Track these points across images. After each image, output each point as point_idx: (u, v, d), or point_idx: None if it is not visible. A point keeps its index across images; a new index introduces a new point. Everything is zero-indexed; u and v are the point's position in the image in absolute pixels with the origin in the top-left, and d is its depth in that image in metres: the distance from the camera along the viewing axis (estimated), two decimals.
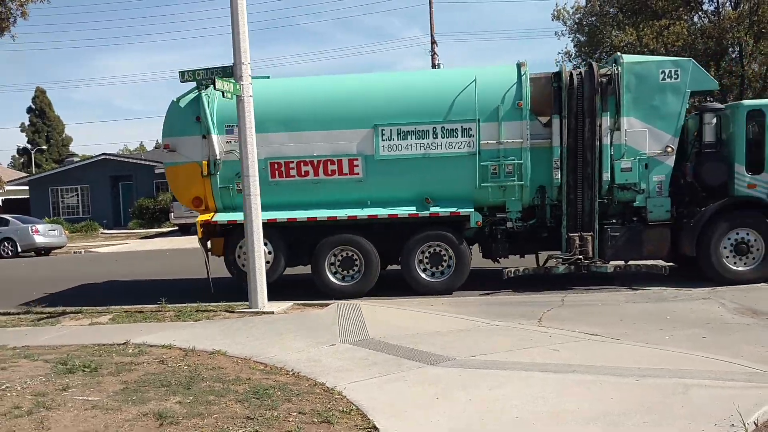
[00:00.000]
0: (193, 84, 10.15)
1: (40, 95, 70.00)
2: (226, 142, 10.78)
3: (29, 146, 68.91)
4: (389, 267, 11.20)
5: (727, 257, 10.16)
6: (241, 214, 10.33)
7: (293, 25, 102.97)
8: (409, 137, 10.44)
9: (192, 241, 24.70)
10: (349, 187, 10.63)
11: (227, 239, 11.01)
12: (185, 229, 27.78)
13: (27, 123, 70.73)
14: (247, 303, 9.69)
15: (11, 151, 79.16)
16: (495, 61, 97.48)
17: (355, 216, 10.44)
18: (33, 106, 70.65)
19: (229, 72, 9.62)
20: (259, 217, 9.65)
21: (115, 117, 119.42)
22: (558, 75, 10.41)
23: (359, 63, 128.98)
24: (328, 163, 10.57)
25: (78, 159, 46.27)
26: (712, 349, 6.49)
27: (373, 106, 10.59)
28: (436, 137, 10.44)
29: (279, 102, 10.96)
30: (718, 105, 10.98)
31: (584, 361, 6.17)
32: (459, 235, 10.48)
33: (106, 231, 33.62)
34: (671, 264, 10.66)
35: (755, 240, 10.11)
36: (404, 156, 10.46)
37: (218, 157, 10.75)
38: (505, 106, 10.28)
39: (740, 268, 10.15)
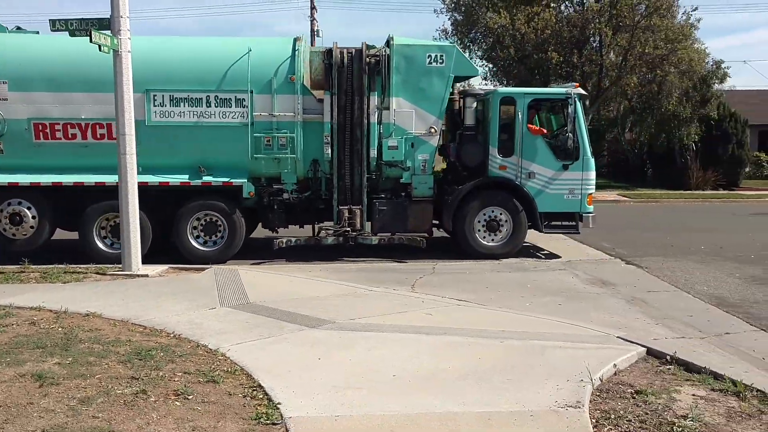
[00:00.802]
0: None
1: None
2: None
3: None
4: None
5: (479, 232, 10.93)
6: (3, 176, 10.28)
7: None
8: (182, 104, 10.41)
9: None
10: None
11: None
12: None
13: None
14: (120, 265, 9.44)
15: None
16: (372, 31, 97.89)
17: None
18: None
19: (106, 24, 9.21)
20: (134, 178, 9.36)
21: None
22: (329, 53, 10.71)
23: (236, 22, 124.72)
24: (97, 126, 10.31)
25: None
26: (567, 314, 7.22)
27: (145, 70, 10.06)
28: (210, 106, 10.48)
29: (44, 60, 10.53)
30: (479, 90, 11.88)
31: (454, 324, 6.66)
32: (233, 204, 10.59)
33: None
34: (426, 236, 11.28)
35: (505, 218, 10.92)
36: (177, 123, 10.40)
37: None
38: (278, 79, 10.46)
39: (491, 243, 10.97)
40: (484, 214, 10.91)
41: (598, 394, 4.79)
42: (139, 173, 9.97)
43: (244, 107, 10.44)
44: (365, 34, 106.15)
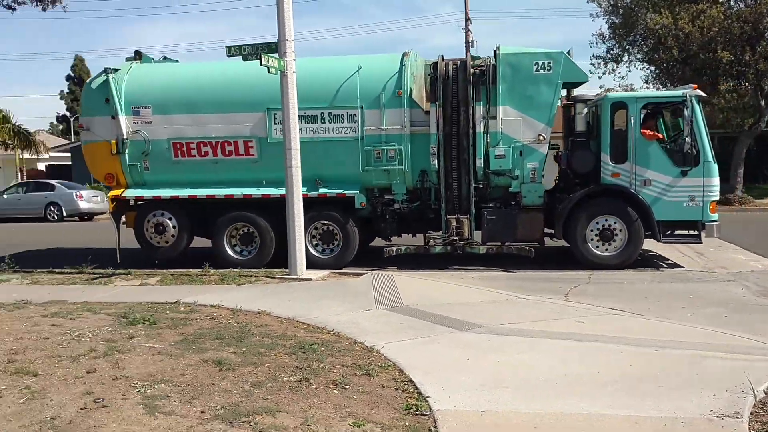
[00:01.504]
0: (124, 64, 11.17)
1: (78, 63, 71.10)
2: (133, 122, 11.48)
3: (68, 113, 70.36)
4: None
5: (592, 241, 10.54)
6: (148, 190, 11.53)
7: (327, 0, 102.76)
8: (299, 121, 10.78)
9: None
10: (246, 167, 11.21)
11: (138, 214, 11.73)
12: None
13: (66, 90, 72.11)
14: (287, 270, 10.20)
15: (50, 118, 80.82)
16: (525, 40, 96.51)
17: (250, 195, 11.11)
18: (72, 74, 71.91)
19: (274, 48, 10.03)
20: (299, 189, 10.12)
21: None
22: (435, 66, 10.87)
23: (390, 39, 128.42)
24: (226, 144, 11.14)
25: None
26: (731, 326, 6.81)
27: (266, 91, 10.84)
28: (324, 122, 10.99)
29: (181, 85, 11.60)
30: (589, 96, 11.50)
31: (607, 332, 6.55)
32: (347, 214, 11.01)
33: None
34: (536, 246, 11.02)
35: (619, 227, 10.45)
36: None
37: (125, 137, 11.43)
38: (387, 94, 10.78)
39: (604, 254, 10.53)
40: (597, 223, 10.57)
41: (761, 406, 4.55)
42: (262, 186, 11.01)
43: (355, 122, 10.90)
44: (520, 42, 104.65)
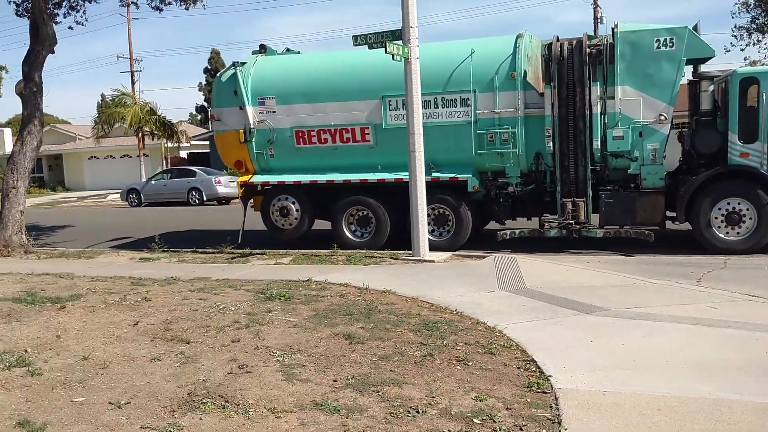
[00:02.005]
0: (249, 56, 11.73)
1: (215, 56, 75.14)
2: (259, 113, 12.04)
3: (206, 104, 74.73)
4: None
5: (719, 227, 10.00)
6: (273, 176, 12.12)
7: None
8: None
9: None
10: (363, 153, 11.54)
11: (264, 198, 12.30)
12: None
13: (203, 82, 76.57)
14: (410, 251, 10.48)
15: (189, 109, 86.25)
16: (657, 14, 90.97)
17: (367, 180, 11.42)
18: (209, 67, 76.17)
19: (398, 35, 10.25)
20: (422, 173, 10.32)
21: None
22: (549, 47, 10.67)
23: (514, 18, 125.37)
24: (344, 131, 11.55)
25: None
26: None
27: (380, 78, 11.24)
28: (437, 107, 11.08)
29: (302, 76, 12.01)
30: (715, 72, 10.77)
31: (741, 318, 6.28)
32: (459, 198, 11.03)
33: None
34: (656, 230, 10.55)
35: (747, 210, 9.86)
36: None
37: (252, 126, 12.04)
38: (500, 77, 10.69)
39: (730, 238, 9.98)
40: (723, 206, 10.00)
41: None
42: (377, 171, 11.33)
43: (467, 106, 10.93)
44: (653, 15, 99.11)
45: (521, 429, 3.83)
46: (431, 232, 11.26)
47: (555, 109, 10.54)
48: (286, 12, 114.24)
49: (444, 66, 11.12)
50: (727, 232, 10.06)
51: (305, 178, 11.88)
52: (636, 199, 10.40)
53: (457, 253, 10.63)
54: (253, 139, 12.10)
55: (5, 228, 13.45)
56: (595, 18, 35.28)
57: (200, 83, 76.44)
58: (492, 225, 12.31)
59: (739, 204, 9.98)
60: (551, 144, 10.60)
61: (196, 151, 42.45)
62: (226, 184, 26.97)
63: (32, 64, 13.83)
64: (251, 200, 12.77)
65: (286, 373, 4.65)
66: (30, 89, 13.81)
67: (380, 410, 4.05)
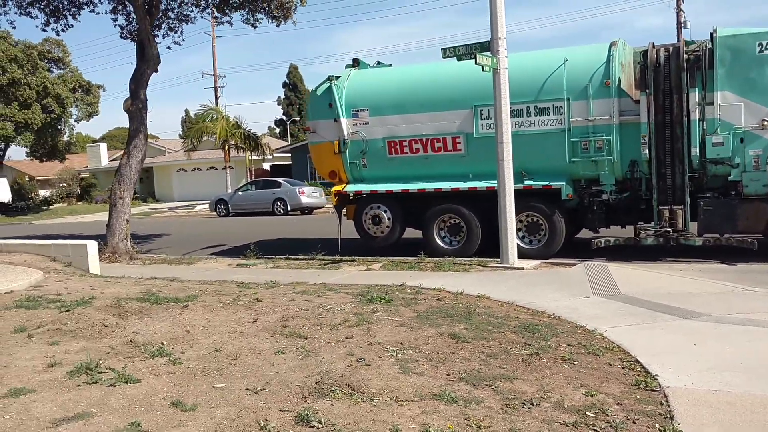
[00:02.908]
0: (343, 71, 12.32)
1: (293, 71, 77.37)
2: (353, 124, 12.45)
3: (284, 117, 76.84)
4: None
5: None
6: (366, 185, 12.46)
7: None
8: None
9: None
10: (454, 161, 11.76)
11: (357, 207, 12.64)
12: None
13: (282, 96, 78.74)
14: (498, 259, 10.65)
15: (268, 122, 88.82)
16: (744, 16, 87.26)
17: (458, 188, 11.63)
18: (287, 81, 78.33)
19: (486, 46, 10.49)
20: (511, 181, 10.49)
21: None
22: (645, 53, 10.61)
23: (594, 25, 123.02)
24: (435, 141, 11.84)
25: None
26: None
27: (471, 89, 11.43)
28: (530, 115, 11.22)
29: (393, 88, 12.33)
30: None
31: None
32: (552, 206, 11.13)
33: None
34: (760, 238, 10.27)
35: None
36: None
37: (346, 138, 12.47)
38: (594, 85, 10.76)
39: None
40: None
41: None
42: (469, 179, 11.51)
43: (560, 114, 11.02)
44: (741, 17, 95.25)
45: (634, 422, 3.99)
46: (523, 240, 11.40)
47: (651, 116, 10.53)
48: (359, 26, 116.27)
49: (537, 75, 11.31)
50: None
51: (397, 186, 12.24)
52: (737, 207, 10.23)
53: (546, 261, 10.72)
54: (347, 150, 12.58)
55: (113, 235, 14.43)
56: (678, 23, 34.49)
57: (279, 97, 78.77)
58: (585, 234, 12.30)
59: None
60: (647, 151, 10.58)
61: (278, 163, 43.78)
62: (309, 195, 27.78)
63: (138, 82, 14.84)
64: (344, 209, 13.20)
65: (402, 367, 4.95)
66: (136, 106, 14.82)
67: (495, 402, 4.29)
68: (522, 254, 11.09)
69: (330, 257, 12.30)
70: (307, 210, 28.20)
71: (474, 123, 11.65)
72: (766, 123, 10.04)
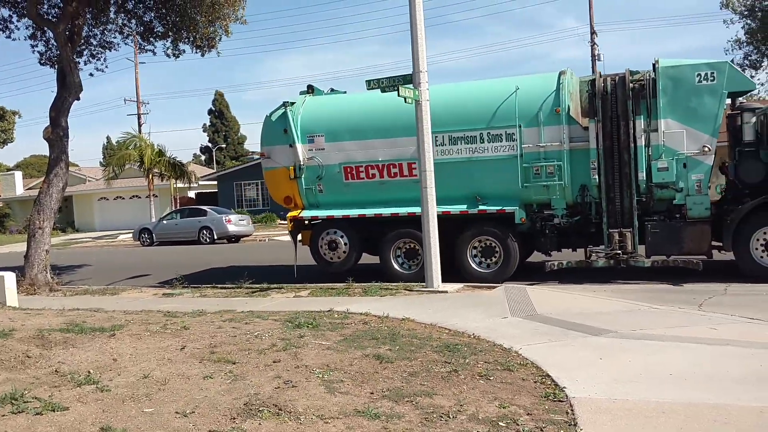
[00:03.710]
0: (294, 98, 12.62)
1: (219, 98, 76.75)
2: (308, 150, 12.64)
3: (210, 144, 75.93)
4: None
5: (762, 257, 10.28)
6: (322, 211, 12.60)
7: (446, 23, 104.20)
8: (459, 142, 11.58)
9: None
10: (410, 187, 11.79)
11: (313, 232, 12.80)
12: None
13: (208, 123, 77.86)
14: (424, 284, 10.99)
15: (194, 149, 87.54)
16: (655, 48, 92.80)
17: (414, 213, 11.58)
18: (213, 108, 77.58)
19: (409, 79, 10.93)
20: (434, 208, 10.87)
21: None
22: (593, 82, 11.05)
23: (514, 56, 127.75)
24: (391, 166, 12.00)
25: (258, 157, 50.49)
26: None
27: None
28: (483, 142, 11.52)
29: (349, 114, 12.64)
30: (757, 104, 11.27)
31: (738, 337, 6.80)
32: (506, 230, 11.41)
33: (282, 222, 36.85)
34: (704, 259, 10.80)
35: None
36: (455, 159, 11.67)
37: (302, 163, 12.63)
38: (545, 112, 11.13)
39: None
40: (765, 234, 10.34)
41: None
42: None
43: (513, 141, 11.37)
44: (649, 51, 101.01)
45: (542, 430, 4.33)
46: (479, 264, 11.74)
47: (600, 142, 10.94)
48: (287, 53, 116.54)
49: (489, 103, 11.66)
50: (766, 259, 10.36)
51: (353, 212, 12.36)
52: (682, 229, 10.67)
53: (468, 284, 11.13)
54: (303, 175, 12.67)
55: (32, 267, 14.02)
56: (593, 55, 36.28)
57: (204, 124, 77.77)
58: (538, 257, 12.64)
59: None
60: (597, 176, 10.96)
61: (204, 191, 43.23)
62: (236, 223, 27.59)
63: (59, 110, 14.57)
64: (300, 235, 13.23)
65: (328, 387, 5.16)
66: (57, 134, 14.53)
67: (416, 416, 4.56)
68: (478, 278, 11.46)
69: (258, 285, 12.36)
70: (235, 238, 27.98)
71: None
72: (707, 149, 10.53)
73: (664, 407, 4.69)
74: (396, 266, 12.22)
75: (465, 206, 11.61)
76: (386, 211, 12.15)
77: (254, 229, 29.75)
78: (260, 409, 4.60)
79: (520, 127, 11.31)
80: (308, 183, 12.69)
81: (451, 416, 4.54)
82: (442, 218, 11.51)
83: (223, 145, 74.68)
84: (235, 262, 18.07)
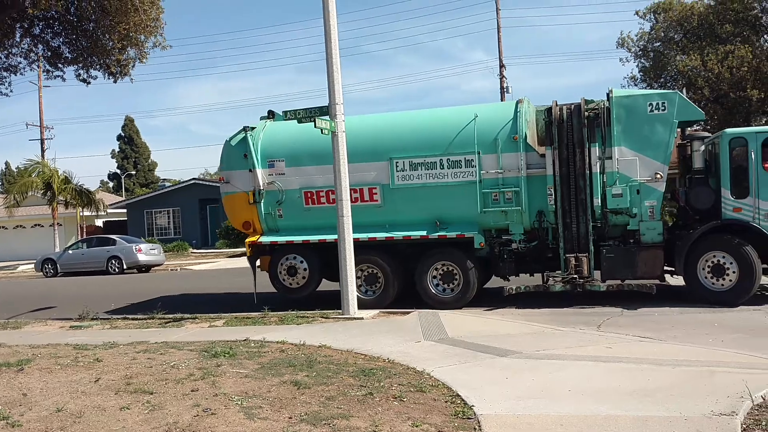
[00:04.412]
0: (247, 125, 12.47)
1: (128, 123, 74.80)
2: (268, 174, 12.60)
3: (119, 171, 73.66)
4: None
5: (706, 278, 10.72)
6: (282, 236, 12.51)
7: (359, 53, 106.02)
8: (419, 168, 11.72)
9: None
10: (371, 212, 11.99)
11: (272, 258, 12.73)
12: None
13: (117, 150, 75.61)
14: (340, 311, 11.18)
15: (102, 176, 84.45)
16: (560, 82, 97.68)
17: (375, 237, 11.87)
18: (122, 134, 75.48)
19: (325, 111, 11.22)
20: (350, 236, 11.14)
21: (190, 143, 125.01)
22: (549, 111, 11.39)
23: (425, 87, 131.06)
24: (352, 191, 11.75)
25: (170, 184, 49.58)
26: (747, 348, 7.56)
27: (388, 141, 12.00)
28: (443, 168, 11.68)
29: (310, 139, 12.41)
30: (705, 133, 11.79)
31: (631, 354, 7.38)
32: (466, 255, 11.58)
33: (195, 250, 36.19)
34: (657, 283, 11.23)
35: (730, 263, 10.55)
36: (416, 185, 11.81)
37: (262, 188, 12.57)
38: (503, 139, 11.37)
39: (717, 290, 10.65)
40: (711, 260, 10.68)
41: (756, 409, 5.34)
42: (385, 230, 11.88)
43: (472, 167, 11.50)
44: (553, 84, 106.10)
45: None
46: (439, 289, 11.76)
47: (556, 168, 11.11)
48: (199, 80, 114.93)
49: (449, 129, 11.80)
50: (713, 283, 10.69)
51: (314, 237, 12.27)
52: (636, 254, 10.90)
53: (384, 310, 11.39)
54: (262, 200, 12.51)
55: None
56: (502, 87, 37.77)
57: (113, 150, 75.54)
58: (497, 282, 12.70)
59: (723, 257, 10.61)
60: (553, 202, 11.15)
61: (113, 219, 41.84)
62: (147, 252, 26.91)
63: None
64: (258, 260, 13.00)
65: (247, 414, 5.28)
66: None
67: None
68: (438, 302, 11.58)
69: (171, 315, 12.19)
70: (145, 268, 27.25)
71: (390, 174, 11.92)
72: (659, 176, 10.80)
73: (563, 420, 5.10)
74: (356, 292, 12.01)
75: (425, 231, 11.69)
76: None
77: (166, 258, 29.06)
78: None
79: (479, 153, 11.46)
80: (268, 208, 12.55)
81: None
82: (404, 243, 11.72)
83: (133, 172, 72.69)
84: (147, 293, 17.64)
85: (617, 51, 30.80)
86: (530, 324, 9.71)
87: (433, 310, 11.00)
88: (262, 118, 13.45)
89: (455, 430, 4.93)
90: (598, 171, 10.99)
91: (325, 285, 12.88)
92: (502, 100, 32.84)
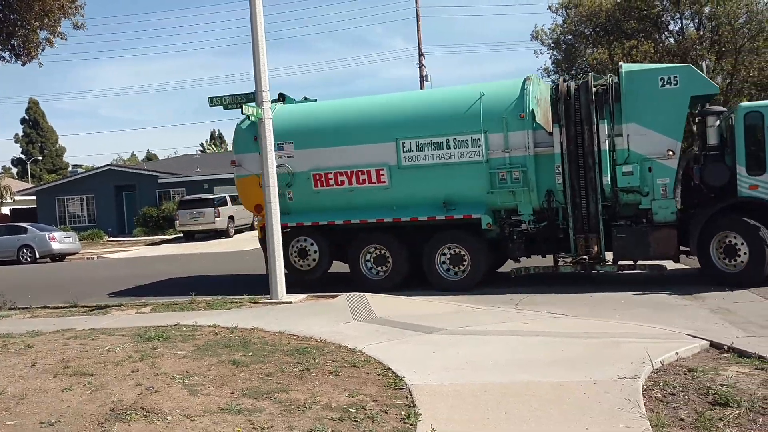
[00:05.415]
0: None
1: (33, 106, 71.39)
2: (278, 157, 12.39)
3: (23, 156, 70.23)
4: None
5: (719, 258, 10.40)
6: (292, 218, 12.54)
7: (280, 38, 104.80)
8: (426, 148, 11.68)
9: (198, 247, 26.40)
10: (378, 193, 12.08)
11: (283, 240, 12.53)
12: (190, 236, 29.46)
13: (21, 134, 72.03)
14: (268, 296, 11.37)
15: (5, 162, 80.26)
16: (478, 71, 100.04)
17: (383, 219, 11.99)
18: (27, 117, 71.98)
19: (252, 98, 11.34)
20: (278, 222, 11.33)
21: (102, 127, 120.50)
22: (556, 88, 11.24)
23: (346, 73, 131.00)
24: (359, 173, 12.03)
25: (82, 170, 47.77)
26: (651, 321, 8.29)
27: (394, 122, 12.03)
28: (450, 148, 11.56)
29: (319, 122, 12.73)
30: (720, 108, 11.50)
31: (546, 329, 7.98)
32: (474, 236, 11.51)
33: (111, 238, 35.17)
34: (669, 263, 11.03)
35: (741, 243, 10.22)
36: (423, 165, 11.75)
37: None
38: (509, 118, 11.14)
39: (729, 270, 10.35)
40: (723, 239, 10.36)
41: (656, 372, 5.99)
42: (392, 211, 11.95)
43: (479, 146, 11.34)
44: (472, 73, 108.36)
45: (386, 413, 5.01)
46: (447, 272, 11.72)
47: (564, 147, 10.87)
48: (109, 62, 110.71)
49: (455, 109, 11.70)
50: (725, 264, 10.36)
51: (323, 219, 12.34)
52: (648, 234, 10.59)
53: (312, 294, 11.65)
54: None
55: None
56: (421, 76, 38.34)
57: (17, 134, 71.97)
58: (508, 265, 12.51)
59: (735, 237, 10.26)
60: (561, 181, 10.93)
61: (20, 207, 40.04)
62: (61, 240, 26.05)
63: None
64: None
65: (190, 390, 5.49)
66: None
67: (275, 409, 5.05)
68: (447, 286, 11.59)
69: (96, 303, 12.04)
70: (60, 257, 26.36)
71: (397, 155, 11.87)
72: (671, 153, 10.49)
73: (486, 387, 5.57)
74: (365, 272, 12.18)
75: (433, 213, 11.65)
76: (355, 218, 12.18)
77: (81, 246, 28.17)
78: (128, 412, 4.85)
79: (485, 132, 11.29)
80: (278, 190, 12.43)
81: (308, 407, 5.09)
82: (411, 225, 11.77)
83: (40, 158, 69.53)
84: (63, 281, 17.21)
85: (532, 43, 31.93)
86: (452, 303, 10.21)
87: (361, 293, 11.31)
88: (272, 101, 13.38)
89: (389, 399, 5.31)
90: (608, 148, 10.72)
91: (337, 266, 12.97)
92: (421, 89, 33.39)
